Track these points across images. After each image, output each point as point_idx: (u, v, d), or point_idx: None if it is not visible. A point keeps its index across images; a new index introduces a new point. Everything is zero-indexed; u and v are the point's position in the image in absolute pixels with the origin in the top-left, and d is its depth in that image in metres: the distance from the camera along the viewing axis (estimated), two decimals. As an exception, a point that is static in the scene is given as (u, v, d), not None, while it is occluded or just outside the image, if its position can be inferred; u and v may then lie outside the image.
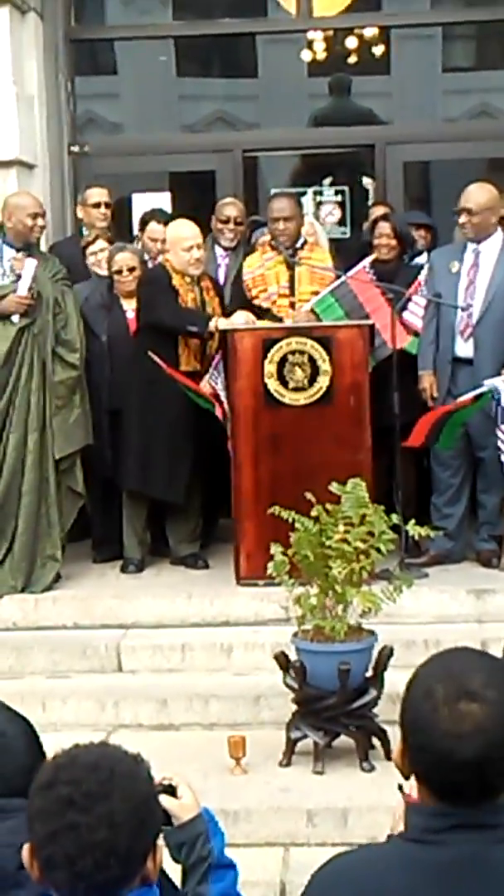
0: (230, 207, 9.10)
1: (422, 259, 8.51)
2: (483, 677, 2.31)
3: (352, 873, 2.35)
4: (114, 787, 2.27)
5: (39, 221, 8.02)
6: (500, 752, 2.27)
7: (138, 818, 2.28)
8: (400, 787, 2.70)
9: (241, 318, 7.80)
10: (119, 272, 8.34)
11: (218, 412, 7.68)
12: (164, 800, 2.72)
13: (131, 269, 8.31)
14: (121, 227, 9.87)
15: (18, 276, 7.80)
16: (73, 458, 7.93)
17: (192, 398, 7.75)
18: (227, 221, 9.00)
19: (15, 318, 7.81)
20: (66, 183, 10.54)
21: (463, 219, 7.78)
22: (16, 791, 2.65)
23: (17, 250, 7.93)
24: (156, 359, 7.67)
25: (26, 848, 2.33)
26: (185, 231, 8.06)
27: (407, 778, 2.42)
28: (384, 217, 8.58)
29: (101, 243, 8.81)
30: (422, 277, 8.05)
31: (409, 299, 7.95)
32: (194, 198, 10.88)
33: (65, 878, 2.25)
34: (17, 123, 9.45)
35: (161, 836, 2.44)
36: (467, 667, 2.35)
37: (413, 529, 6.31)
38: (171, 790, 2.78)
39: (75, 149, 10.75)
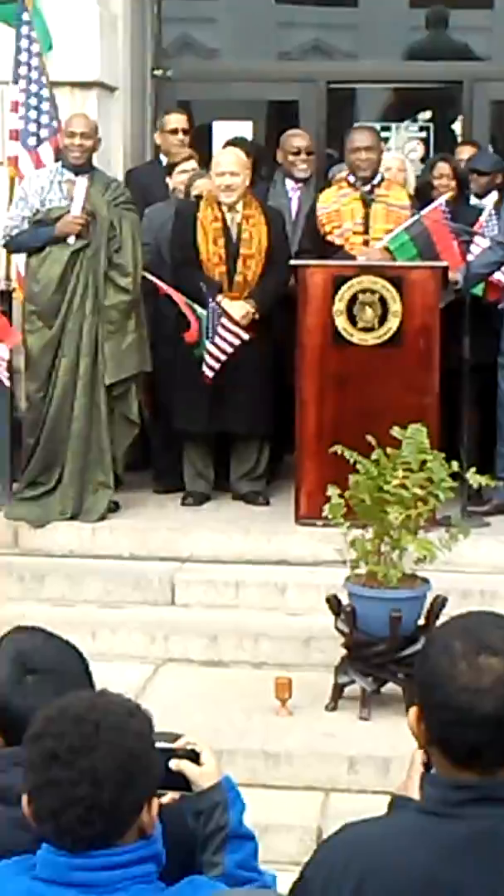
0: (298, 138, 8.94)
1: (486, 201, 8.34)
2: (502, 633, 2.25)
3: (365, 846, 2.27)
4: (98, 741, 2.24)
5: (77, 141, 7.89)
6: None
7: (124, 773, 2.24)
8: None
9: (240, 311, 7.72)
10: (200, 197, 8.21)
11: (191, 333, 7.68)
12: (185, 766, 2.67)
13: None
14: (201, 155, 9.71)
15: (72, 199, 7.75)
16: (127, 384, 7.86)
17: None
18: (297, 153, 8.84)
19: (70, 240, 7.75)
20: (148, 107, 10.41)
21: None
22: None
23: (76, 174, 7.86)
24: (151, 277, 7.74)
25: (24, 796, 2.30)
26: (222, 157, 8.00)
27: (423, 747, 2.33)
28: (443, 158, 8.52)
29: (192, 163, 8.66)
30: (483, 219, 7.89)
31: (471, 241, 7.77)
32: (277, 127, 10.71)
33: (51, 831, 2.25)
34: (100, 45, 9.30)
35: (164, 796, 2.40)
36: (486, 624, 2.29)
37: (473, 478, 6.19)
38: (193, 756, 2.71)
39: (158, 73, 10.61)
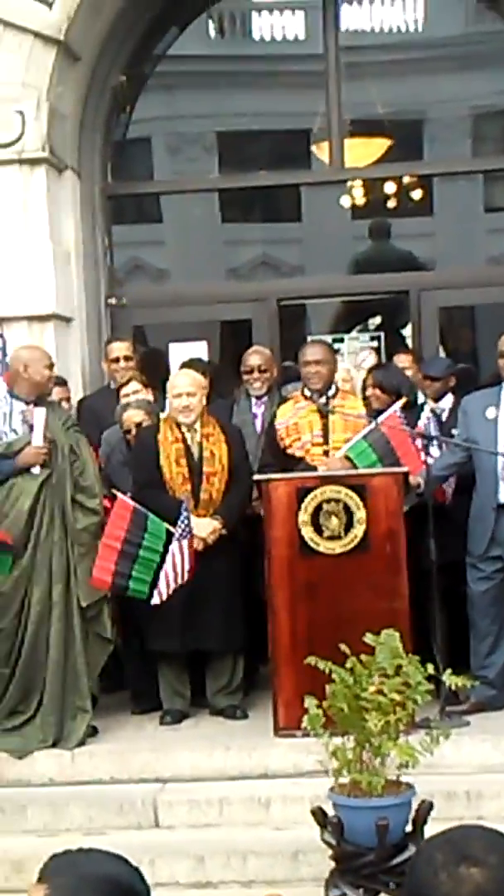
0: (253, 357, 9.20)
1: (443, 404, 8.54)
2: (484, 844, 2.27)
3: None
4: None
5: (51, 372, 8.08)
6: None
7: None
8: None
9: (208, 528, 7.83)
10: (128, 431, 8.37)
11: None
12: None
13: (138, 425, 8.32)
14: (158, 377, 9.92)
15: (31, 428, 7.79)
16: (100, 604, 7.86)
17: None
18: (251, 371, 9.09)
19: (35, 470, 7.78)
20: (103, 335, 10.66)
21: None
22: None
23: (27, 403, 7.93)
24: (121, 496, 7.73)
25: None
26: (176, 380, 8.22)
27: None
28: (369, 370, 8.89)
29: (133, 385, 8.83)
30: (421, 422, 8.18)
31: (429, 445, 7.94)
32: (232, 344, 10.97)
33: None
34: (54, 279, 9.62)
35: None
36: (469, 835, 2.31)
37: (450, 680, 6.22)
38: None
39: (112, 301, 10.89)
